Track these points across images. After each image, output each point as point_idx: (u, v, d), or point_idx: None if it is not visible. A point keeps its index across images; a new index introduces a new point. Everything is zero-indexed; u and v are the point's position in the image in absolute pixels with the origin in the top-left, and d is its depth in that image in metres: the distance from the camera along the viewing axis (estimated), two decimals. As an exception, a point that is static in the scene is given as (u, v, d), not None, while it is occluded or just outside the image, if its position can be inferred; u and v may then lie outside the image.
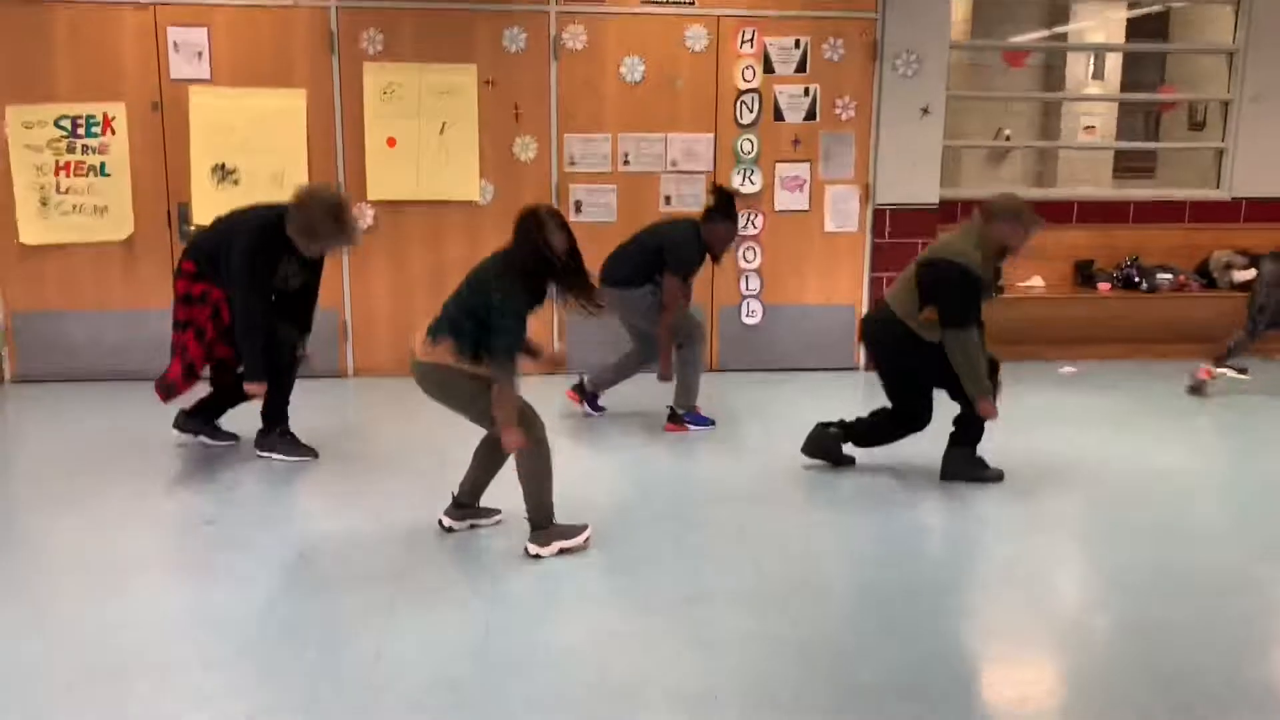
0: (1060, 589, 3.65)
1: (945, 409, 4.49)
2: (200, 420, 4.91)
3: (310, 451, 4.77)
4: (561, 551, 3.71)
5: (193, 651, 3.04)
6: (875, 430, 4.65)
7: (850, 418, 4.70)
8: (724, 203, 5.09)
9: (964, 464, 4.51)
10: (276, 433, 4.78)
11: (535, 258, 3.52)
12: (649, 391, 5.40)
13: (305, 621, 3.24)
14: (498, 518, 3.97)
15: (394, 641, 3.10)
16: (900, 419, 4.58)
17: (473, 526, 3.94)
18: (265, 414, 4.77)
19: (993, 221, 4.27)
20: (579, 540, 3.75)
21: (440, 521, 3.92)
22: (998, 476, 4.52)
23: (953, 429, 4.51)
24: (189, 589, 3.48)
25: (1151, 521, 4.15)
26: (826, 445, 4.68)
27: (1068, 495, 4.47)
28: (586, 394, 5.51)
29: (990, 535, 4.06)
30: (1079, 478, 4.68)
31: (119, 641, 3.09)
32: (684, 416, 5.30)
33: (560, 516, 3.77)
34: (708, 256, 5.19)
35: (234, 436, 4.92)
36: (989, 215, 4.29)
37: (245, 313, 4.48)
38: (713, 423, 5.33)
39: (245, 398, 4.68)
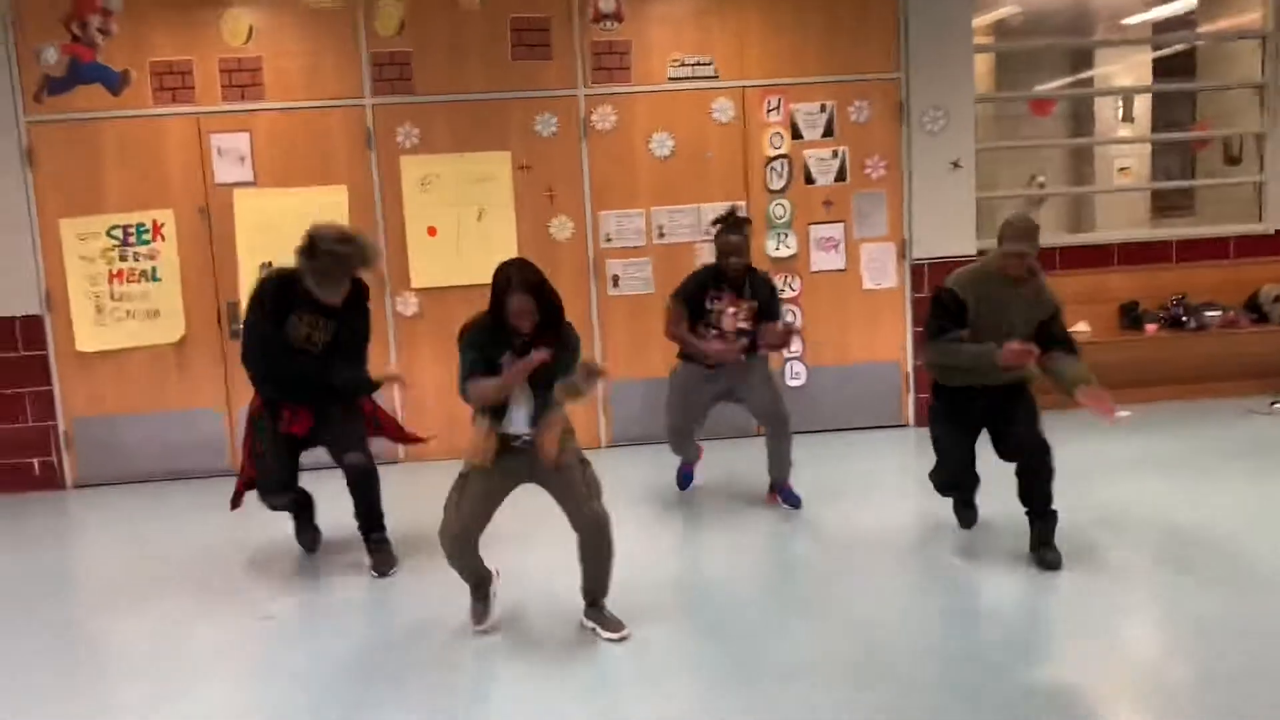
0: (1133, 644, 3.55)
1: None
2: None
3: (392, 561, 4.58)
4: None
5: (258, 748, 3.04)
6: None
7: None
8: (724, 217, 4.92)
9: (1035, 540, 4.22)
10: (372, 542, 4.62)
11: (488, 312, 3.56)
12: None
13: (368, 715, 3.23)
14: (621, 634, 3.65)
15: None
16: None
17: (594, 631, 3.71)
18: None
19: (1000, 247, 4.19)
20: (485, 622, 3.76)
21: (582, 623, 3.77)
22: (1054, 564, 4.10)
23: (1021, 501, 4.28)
24: (250, 688, 3.49)
25: (1219, 568, 4.05)
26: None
27: (1130, 545, 4.38)
28: (778, 490, 5.15)
29: (1055, 592, 3.97)
30: (1141, 526, 4.59)
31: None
32: (777, 488, 5.14)
33: (627, 593, 3.75)
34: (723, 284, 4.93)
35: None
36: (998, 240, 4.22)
37: (269, 369, 4.37)
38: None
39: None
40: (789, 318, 6.29)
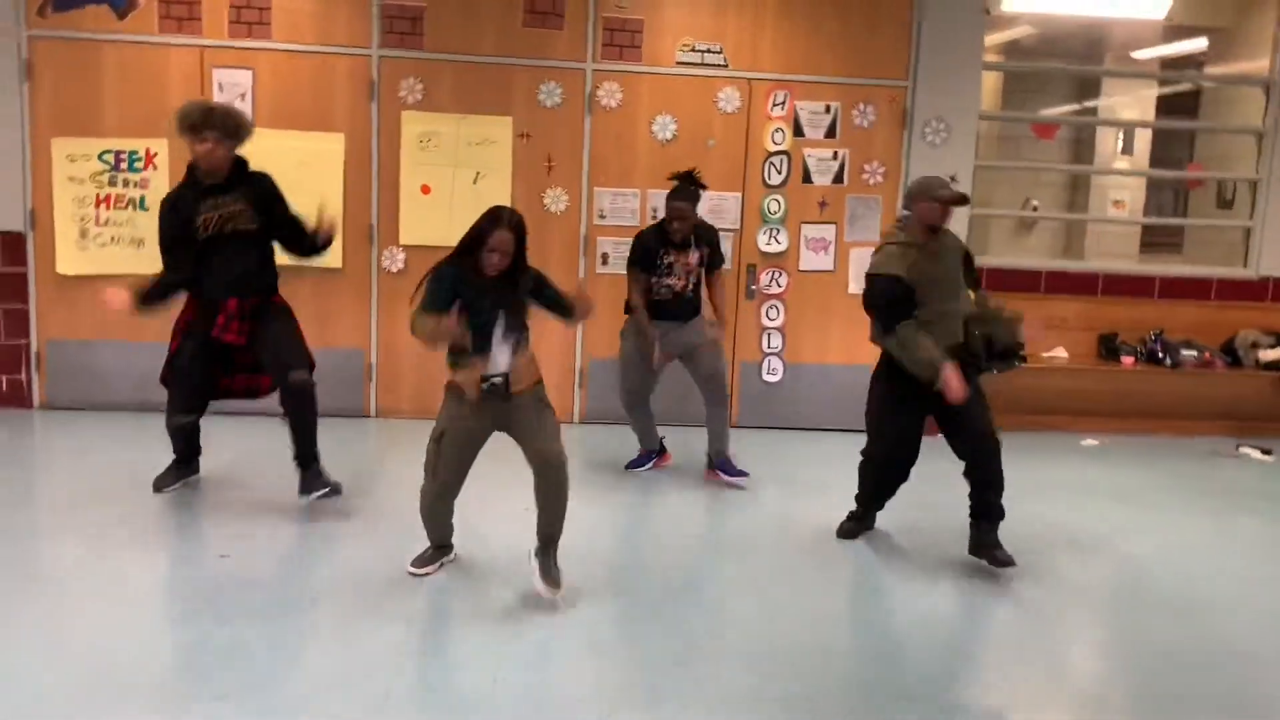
0: (1079, 663, 3.61)
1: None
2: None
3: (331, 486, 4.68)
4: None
5: (203, 683, 3.05)
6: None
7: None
8: (681, 179, 5.13)
9: (981, 542, 4.29)
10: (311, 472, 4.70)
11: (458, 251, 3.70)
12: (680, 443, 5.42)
13: (316, 660, 3.25)
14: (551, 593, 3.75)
15: (402, 683, 3.10)
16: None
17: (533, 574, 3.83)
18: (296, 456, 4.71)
19: (912, 208, 4.27)
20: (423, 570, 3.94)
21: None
22: (1008, 561, 4.21)
23: (970, 501, 4.38)
24: (201, 622, 3.50)
25: (1170, 597, 4.11)
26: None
27: (1088, 568, 4.44)
28: (716, 464, 5.37)
29: (1009, 605, 4.02)
30: (1100, 550, 4.65)
31: (130, 671, 3.11)
32: (717, 464, 5.38)
33: (569, 565, 3.78)
34: (669, 247, 5.18)
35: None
36: (907, 202, 4.32)
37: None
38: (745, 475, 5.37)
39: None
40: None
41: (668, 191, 5.16)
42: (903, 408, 4.36)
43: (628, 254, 5.30)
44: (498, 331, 3.70)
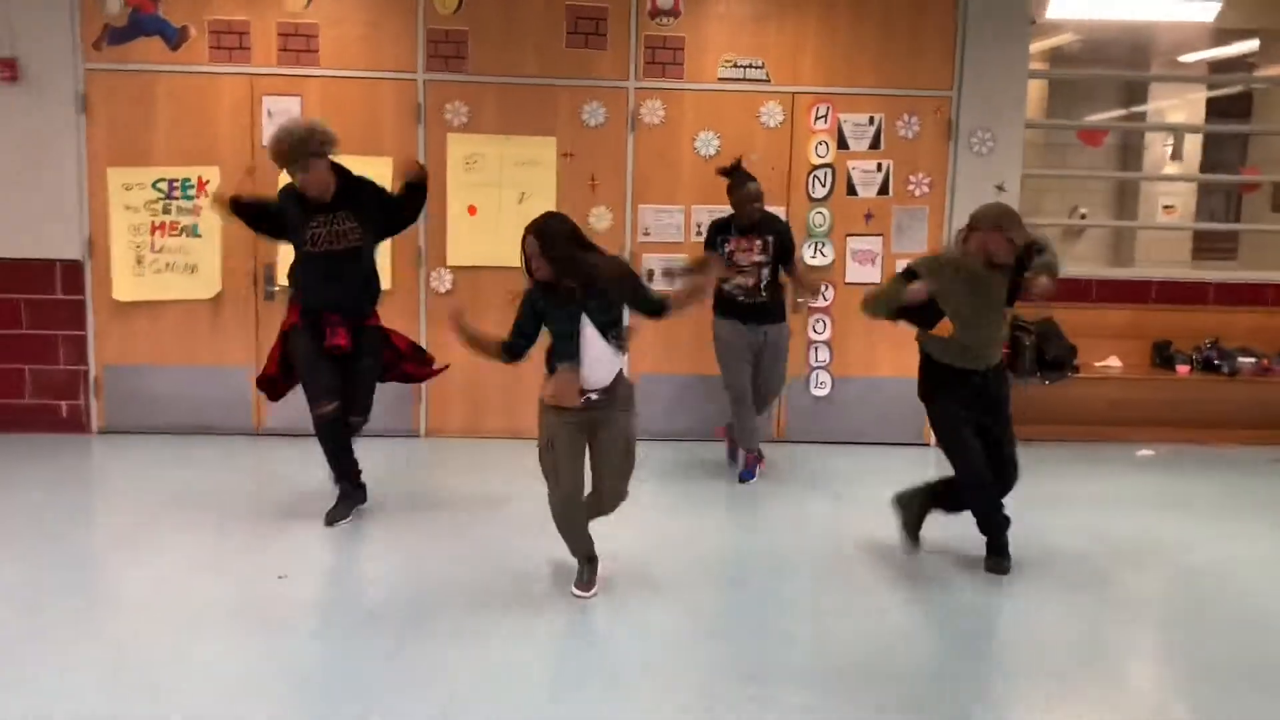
0: (1138, 678, 3.55)
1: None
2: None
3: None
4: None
5: (262, 704, 3.08)
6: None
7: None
8: (733, 170, 5.42)
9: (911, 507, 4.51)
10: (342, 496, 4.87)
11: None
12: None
13: (373, 677, 3.27)
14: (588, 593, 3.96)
15: (459, 700, 3.12)
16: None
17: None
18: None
19: (974, 233, 4.22)
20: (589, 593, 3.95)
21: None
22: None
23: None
24: (260, 641, 3.54)
25: (1230, 611, 4.03)
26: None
27: (1146, 581, 4.36)
28: (736, 455, 5.79)
29: (1065, 620, 3.96)
30: (1158, 563, 4.57)
31: (190, 690, 3.15)
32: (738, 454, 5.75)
33: (619, 584, 3.78)
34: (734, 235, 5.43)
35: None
36: (971, 227, 4.25)
37: None
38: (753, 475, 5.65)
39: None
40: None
41: (728, 187, 5.41)
42: (962, 416, 4.32)
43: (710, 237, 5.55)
44: (586, 340, 3.72)
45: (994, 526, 4.38)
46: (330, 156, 4.60)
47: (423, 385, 6.37)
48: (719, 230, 5.49)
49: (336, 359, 4.69)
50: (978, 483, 4.32)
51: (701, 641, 3.63)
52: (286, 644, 3.50)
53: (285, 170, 4.59)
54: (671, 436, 5.82)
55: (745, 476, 5.64)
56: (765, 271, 5.42)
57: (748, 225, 5.39)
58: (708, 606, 3.95)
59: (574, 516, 3.92)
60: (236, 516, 4.81)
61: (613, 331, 3.79)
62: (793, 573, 4.34)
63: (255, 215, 4.73)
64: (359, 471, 4.88)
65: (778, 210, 6.34)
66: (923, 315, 4.30)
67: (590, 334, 3.73)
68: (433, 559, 4.31)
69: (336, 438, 4.75)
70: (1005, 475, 4.33)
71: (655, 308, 3.91)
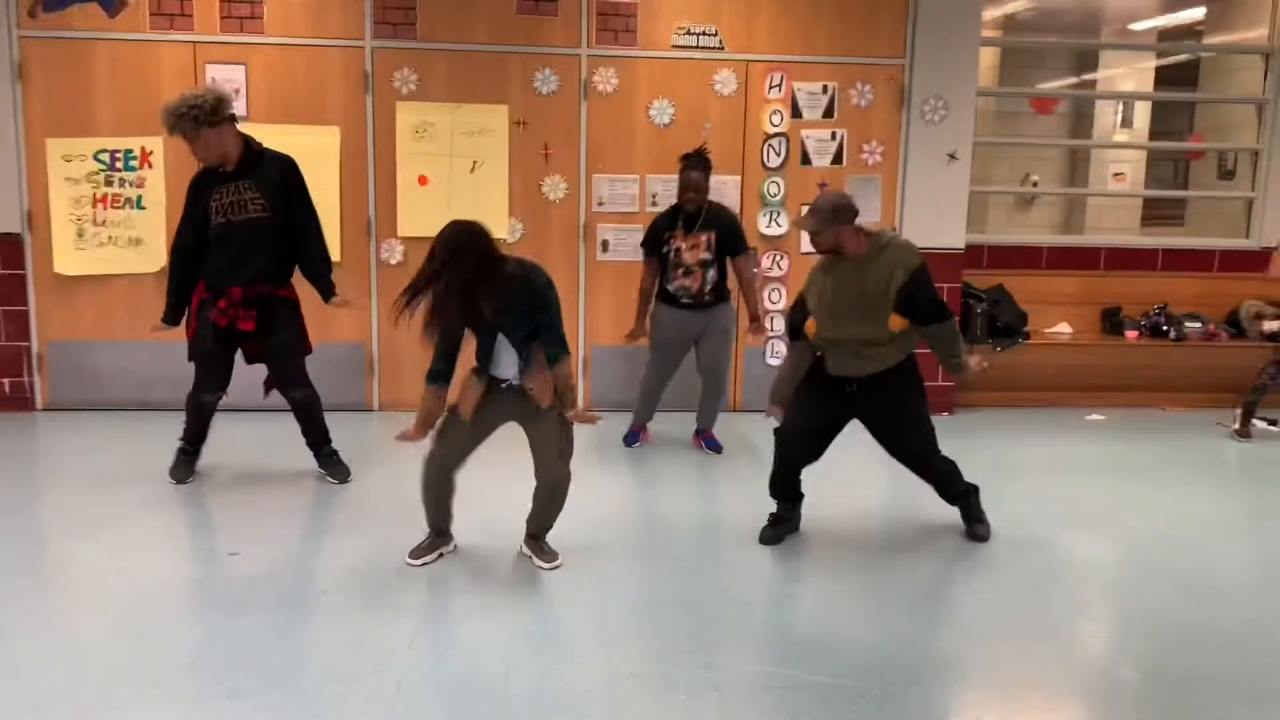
0: (1087, 639, 3.60)
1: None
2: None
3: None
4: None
5: (215, 682, 3.04)
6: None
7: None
8: (690, 154, 5.35)
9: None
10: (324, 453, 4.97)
11: None
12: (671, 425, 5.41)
13: (327, 654, 3.24)
14: (551, 565, 3.95)
15: (414, 676, 3.10)
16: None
17: (529, 557, 4.01)
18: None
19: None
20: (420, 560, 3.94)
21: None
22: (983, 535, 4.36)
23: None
24: (213, 619, 3.49)
25: (1177, 573, 4.10)
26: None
27: (1095, 545, 4.43)
28: (700, 434, 5.77)
29: (1016, 584, 4.01)
30: (1107, 527, 4.64)
31: (141, 670, 3.10)
32: (702, 435, 5.75)
33: (579, 555, 3.77)
34: (679, 225, 5.34)
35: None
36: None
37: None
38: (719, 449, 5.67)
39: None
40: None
41: (685, 162, 5.33)
42: (817, 400, 4.27)
43: (642, 240, 5.54)
44: (499, 352, 3.78)
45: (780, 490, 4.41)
46: (230, 126, 4.55)
47: (375, 358, 6.32)
48: (667, 224, 5.36)
49: (238, 340, 4.66)
50: (777, 461, 4.36)
51: (657, 611, 3.63)
52: (238, 622, 3.45)
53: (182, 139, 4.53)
54: (625, 408, 5.80)
55: (630, 439, 5.72)
56: (711, 273, 5.32)
57: (693, 217, 5.30)
58: (663, 577, 3.95)
59: (441, 484, 3.90)
60: (185, 492, 4.74)
61: (528, 353, 3.74)
62: (749, 544, 4.35)
63: (172, 284, 4.76)
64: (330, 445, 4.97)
65: (731, 179, 6.33)
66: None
67: (501, 351, 3.78)
68: (387, 534, 4.27)
69: (206, 420, 4.84)
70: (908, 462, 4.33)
71: (551, 350, 3.73)
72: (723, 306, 5.47)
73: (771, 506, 4.41)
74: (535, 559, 3.96)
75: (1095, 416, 6.70)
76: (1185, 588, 3.95)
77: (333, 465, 4.94)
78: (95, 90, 5.99)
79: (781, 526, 4.36)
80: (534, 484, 3.91)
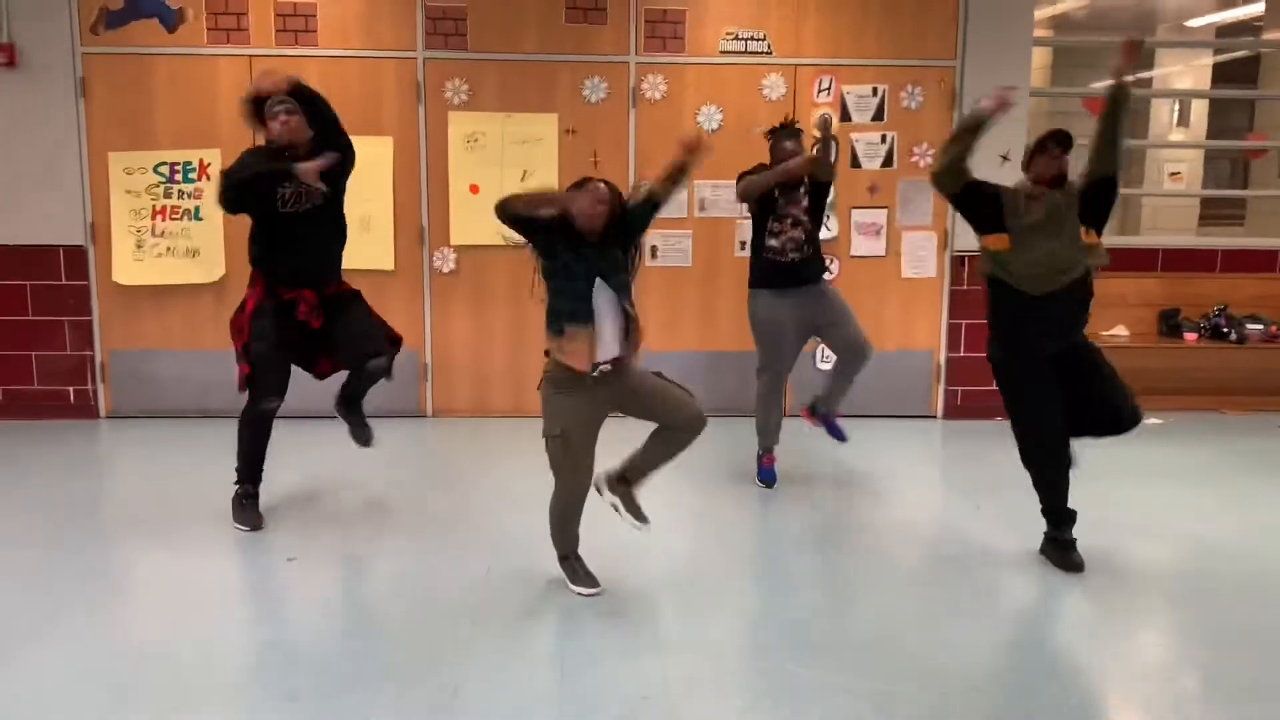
0: (1146, 649, 3.54)
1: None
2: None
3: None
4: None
5: (276, 685, 3.09)
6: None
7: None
8: (778, 126, 4.96)
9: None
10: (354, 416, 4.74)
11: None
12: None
13: (383, 658, 3.28)
14: (643, 527, 3.75)
15: (470, 681, 3.12)
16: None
17: (615, 508, 3.78)
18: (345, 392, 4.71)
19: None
20: (582, 591, 3.72)
21: (596, 488, 3.75)
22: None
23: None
24: (272, 623, 3.55)
25: (1241, 579, 4.02)
26: None
27: (1157, 551, 4.36)
28: (820, 413, 5.21)
29: (1075, 592, 3.95)
30: (1169, 533, 4.56)
31: (203, 673, 3.16)
32: (820, 412, 5.20)
33: (629, 562, 3.77)
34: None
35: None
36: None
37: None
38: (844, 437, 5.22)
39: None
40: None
41: (775, 135, 4.93)
42: (1032, 379, 3.98)
43: (739, 183, 4.90)
44: (600, 301, 3.49)
45: (1055, 504, 4.07)
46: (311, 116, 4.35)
47: (429, 365, 6.38)
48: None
49: (298, 348, 4.47)
50: (1045, 451, 4.01)
51: (712, 617, 3.63)
52: (295, 628, 3.51)
53: (256, 119, 4.36)
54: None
55: (765, 477, 5.12)
56: (808, 223, 4.88)
57: (792, 188, 4.86)
58: (717, 583, 3.95)
59: (574, 515, 3.69)
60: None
61: (628, 301, 3.57)
62: (806, 550, 4.33)
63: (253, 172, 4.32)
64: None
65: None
66: (984, 211, 4.02)
67: (605, 301, 3.52)
68: (443, 539, 4.31)
69: (264, 435, 4.52)
70: (1120, 424, 4.04)
71: (659, 195, 3.71)
72: (825, 280, 5.09)
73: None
74: (621, 509, 3.74)
75: (1154, 420, 6.58)
76: (1247, 594, 3.87)
77: (357, 422, 4.72)
78: (155, 104, 6.12)
79: (1066, 543, 4.09)
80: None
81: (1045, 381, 3.94)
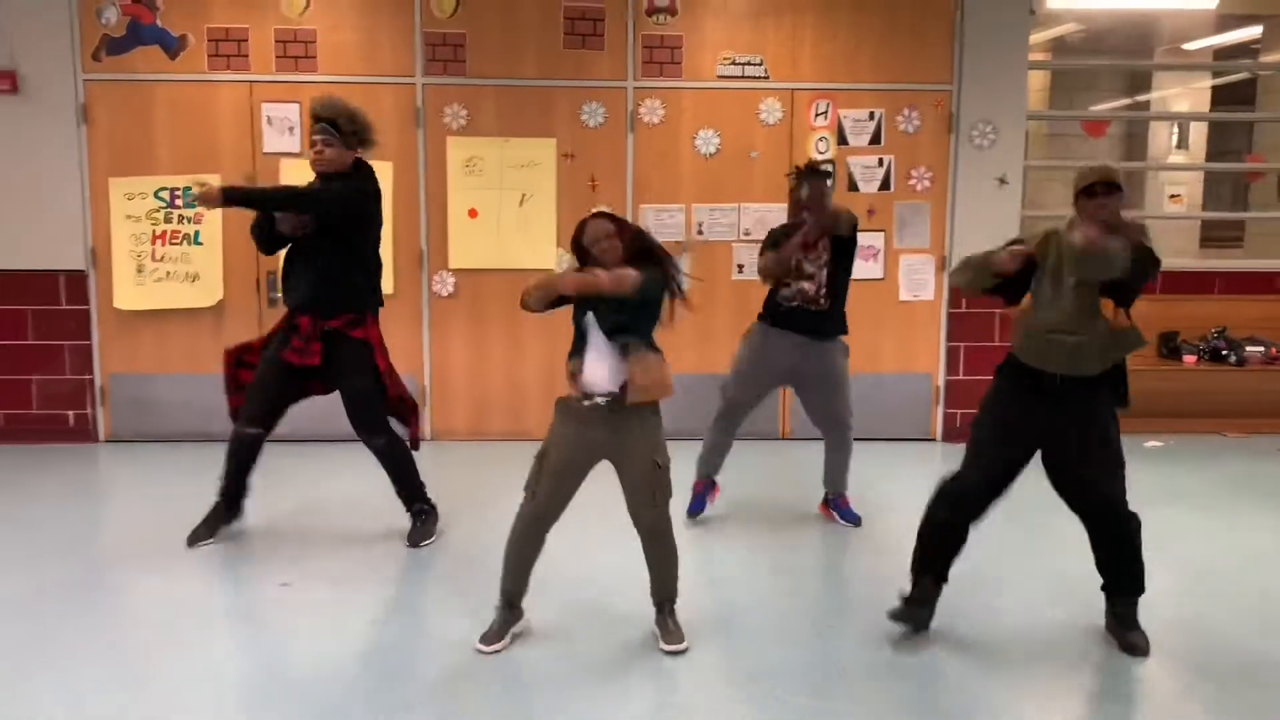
0: (1148, 676, 3.52)
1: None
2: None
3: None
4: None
5: (266, 709, 3.08)
6: None
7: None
8: (805, 168, 4.71)
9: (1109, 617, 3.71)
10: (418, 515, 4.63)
11: None
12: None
13: (376, 686, 3.27)
14: (679, 646, 3.51)
15: (464, 710, 3.11)
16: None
17: (655, 636, 3.58)
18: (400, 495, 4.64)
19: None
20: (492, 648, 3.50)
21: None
22: (1133, 648, 3.58)
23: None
24: (266, 648, 3.54)
25: (1238, 603, 4.00)
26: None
27: (1153, 572, 4.33)
28: (831, 503, 5.01)
29: (1074, 614, 3.92)
30: (1165, 555, 4.54)
31: (197, 699, 3.15)
32: (831, 502, 5.02)
33: (626, 582, 3.76)
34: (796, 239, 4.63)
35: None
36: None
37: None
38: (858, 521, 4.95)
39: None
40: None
41: (798, 178, 4.70)
42: (1010, 426, 3.57)
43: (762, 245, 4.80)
44: (593, 336, 3.40)
45: (925, 568, 3.67)
46: (351, 149, 4.41)
47: (427, 388, 6.39)
48: (784, 234, 4.71)
49: (300, 375, 4.40)
50: (953, 495, 3.62)
51: (704, 642, 3.62)
52: (291, 651, 3.50)
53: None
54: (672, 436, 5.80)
55: (694, 509, 4.90)
56: (825, 275, 4.69)
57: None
58: (709, 609, 3.93)
59: (528, 544, 3.50)
60: (242, 523, 4.81)
61: (630, 340, 3.40)
62: (802, 576, 4.32)
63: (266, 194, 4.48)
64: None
65: (778, 207, 6.28)
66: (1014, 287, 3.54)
67: (596, 336, 3.41)
68: (439, 564, 4.31)
69: (248, 460, 4.50)
70: (1091, 511, 3.64)
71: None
72: (836, 342, 4.81)
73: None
74: (660, 639, 3.53)
75: (1153, 443, 6.57)
76: (1248, 620, 3.85)
77: (417, 525, 4.58)
78: (155, 129, 6.17)
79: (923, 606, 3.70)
80: (607, 548, 3.75)
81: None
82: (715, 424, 4.94)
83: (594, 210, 3.64)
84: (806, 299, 4.69)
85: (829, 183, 4.74)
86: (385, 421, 4.53)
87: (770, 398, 5.11)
